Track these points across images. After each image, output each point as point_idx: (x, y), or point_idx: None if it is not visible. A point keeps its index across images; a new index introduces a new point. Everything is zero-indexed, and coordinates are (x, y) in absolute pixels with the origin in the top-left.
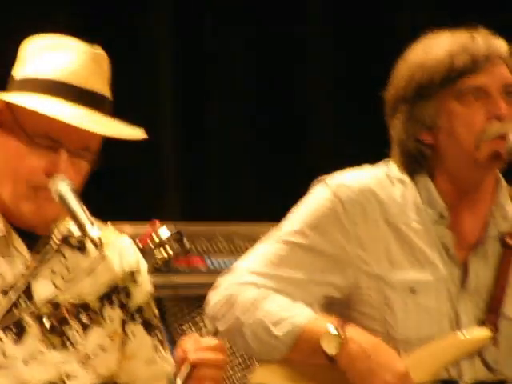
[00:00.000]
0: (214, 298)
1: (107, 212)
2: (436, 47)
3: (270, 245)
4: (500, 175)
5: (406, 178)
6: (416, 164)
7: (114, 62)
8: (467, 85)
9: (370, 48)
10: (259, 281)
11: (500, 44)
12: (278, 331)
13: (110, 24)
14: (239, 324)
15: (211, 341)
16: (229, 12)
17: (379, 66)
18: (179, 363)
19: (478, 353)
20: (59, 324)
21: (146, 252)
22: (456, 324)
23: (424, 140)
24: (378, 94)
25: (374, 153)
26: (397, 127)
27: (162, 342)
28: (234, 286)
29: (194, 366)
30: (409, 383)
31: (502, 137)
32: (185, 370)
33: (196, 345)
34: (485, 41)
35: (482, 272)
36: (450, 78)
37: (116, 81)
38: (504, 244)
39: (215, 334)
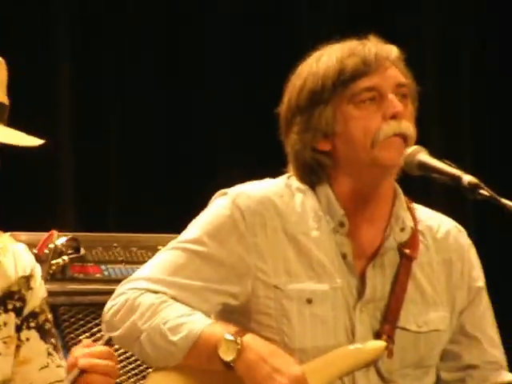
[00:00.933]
0: (112, 304)
1: (4, 222)
2: (326, 56)
3: (169, 253)
4: (397, 186)
5: (305, 187)
6: (314, 175)
7: (11, 69)
8: (360, 87)
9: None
10: (157, 288)
11: (390, 48)
12: (174, 337)
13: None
14: (136, 330)
15: (101, 347)
16: None
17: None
18: (70, 369)
19: (373, 363)
20: None
21: (42, 259)
22: (352, 334)
23: (321, 148)
24: (274, 109)
25: (273, 167)
26: (292, 140)
27: (55, 348)
28: (132, 292)
29: (83, 372)
30: None
31: (398, 135)
32: (72, 375)
33: (86, 351)
34: (375, 45)
35: (379, 282)
36: (341, 82)
37: (13, 89)
38: (401, 254)
39: (108, 341)
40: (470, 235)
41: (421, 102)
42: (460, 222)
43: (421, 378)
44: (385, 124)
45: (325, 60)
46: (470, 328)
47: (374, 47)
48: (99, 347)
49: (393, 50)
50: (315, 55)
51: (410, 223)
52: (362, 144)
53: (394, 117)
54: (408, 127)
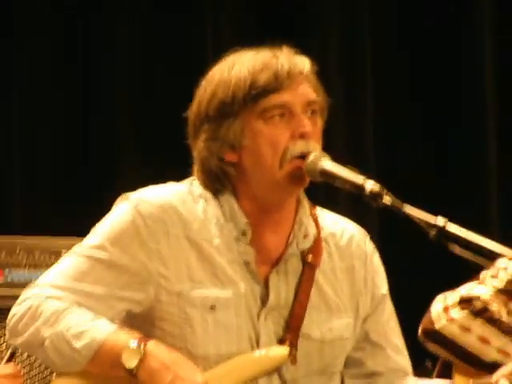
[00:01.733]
0: (16, 310)
1: None
2: (239, 65)
3: (73, 259)
4: (301, 193)
5: (208, 194)
6: (218, 183)
7: None
8: (270, 103)
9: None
10: (61, 294)
11: (303, 61)
12: (78, 344)
13: None
14: (40, 336)
15: (6, 369)
16: None
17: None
18: None
19: (276, 371)
20: None
21: None
22: (256, 342)
23: (227, 159)
24: (181, 113)
25: (178, 171)
26: (199, 146)
27: None
28: (36, 299)
29: None
30: None
31: (305, 155)
32: None
33: None
34: (287, 59)
35: (283, 290)
36: (252, 96)
37: None
38: (304, 262)
39: (12, 355)
40: (374, 240)
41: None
42: (366, 226)
43: None
44: (292, 143)
45: (237, 69)
46: (374, 335)
47: (287, 61)
48: (4, 368)
49: (305, 64)
50: (227, 62)
51: (313, 230)
52: (269, 162)
53: (302, 136)
54: (315, 147)
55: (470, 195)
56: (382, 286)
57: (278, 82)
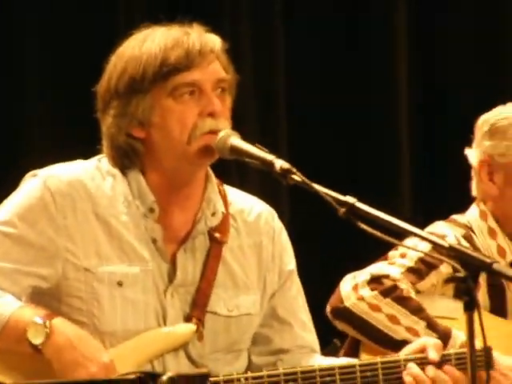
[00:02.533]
0: None
1: None
2: (150, 41)
3: None
4: (209, 170)
5: (116, 171)
6: (126, 159)
7: None
8: (181, 81)
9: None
10: None
11: (214, 40)
12: None
13: None
14: None
15: None
16: None
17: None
18: None
19: (183, 348)
20: None
21: None
22: (163, 318)
23: (136, 135)
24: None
25: (87, 148)
26: (108, 122)
27: None
28: None
29: None
30: (112, 374)
31: (214, 132)
32: None
33: None
34: (199, 36)
35: (190, 267)
36: (163, 74)
37: None
38: (212, 239)
39: None
40: (285, 219)
41: (238, 86)
42: (275, 205)
43: (232, 363)
44: (201, 120)
45: (148, 46)
46: (281, 312)
47: (198, 39)
48: None
49: (216, 42)
50: (138, 37)
51: (221, 208)
52: (178, 138)
53: (212, 114)
54: (224, 125)
55: (381, 182)
56: (290, 262)
57: (189, 60)
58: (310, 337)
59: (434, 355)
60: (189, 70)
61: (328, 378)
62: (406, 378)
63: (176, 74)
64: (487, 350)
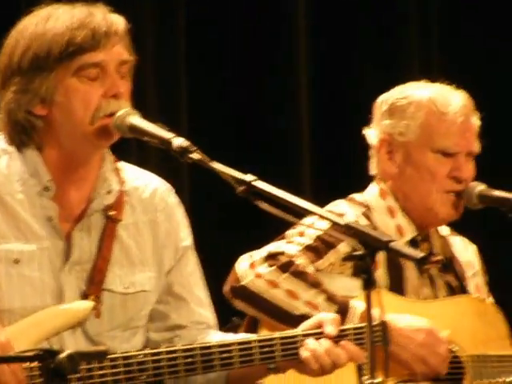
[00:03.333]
0: None
1: None
2: (54, 20)
3: None
4: (107, 151)
5: (12, 149)
6: (24, 135)
7: None
8: (86, 61)
9: None
10: None
11: (118, 21)
12: None
13: None
14: None
15: None
16: None
17: None
18: None
19: (80, 324)
20: None
21: None
22: (60, 296)
23: (36, 112)
24: None
25: None
26: (8, 97)
27: None
28: None
29: None
30: (9, 351)
31: (115, 114)
32: None
33: None
34: (104, 17)
35: (86, 245)
36: (68, 53)
37: None
38: (107, 217)
39: None
40: (184, 198)
41: (139, 70)
42: (175, 182)
43: (129, 340)
44: (105, 101)
45: (52, 24)
46: (177, 288)
47: (104, 20)
48: None
49: (121, 24)
50: (42, 14)
51: (116, 186)
52: (80, 118)
53: (115, 96)
54: (126, 106)
55: (280, 160)
56: (186, 238)
57: (95, 41)
58: (207, 313)
59: (330, 330)
60: (94, 50)
61: (226, 354)
62: (304, 353)
63: (82, 54)
64: (384, 326)
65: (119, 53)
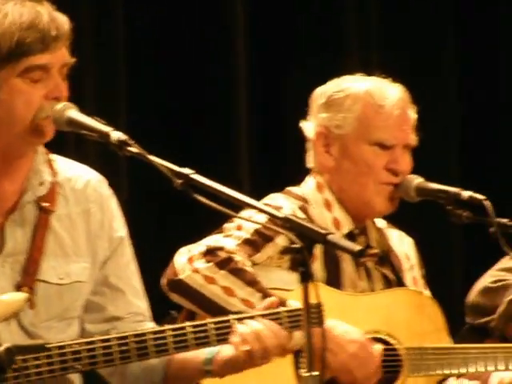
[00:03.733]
0: None
1: None
2: (2, 17)
3: None
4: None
5: None
6: None
7: None
8: (33, 63)
9: None
10: None
11: (64, 23)
12: None
13: None
14: None
15: None
16: None
17: None
18: None
19: (14, 316)
20: None
21: None
22: None
23: None
24: None
25: None
26: None
27: None
28: None
29: None
30: None
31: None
32: None
33: None
34: (52, 18)
35: (19, 236)
36: (16, 54)
37: None
38: (40, 208)
39: None
40: (122, 192)
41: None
42: (114, 179)
43: (64, 330)
44: (47, 103)
45: (1, 21)
46: (114, 279)
47: (52, 22)
48: None
49: (66, 24)
50: None
51: (48, 177)
52: (21, 118)
53: (57, 98)
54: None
55: (218, 153)
56: (120, 229)
57: (44, 44)
58: (143, 304)
59: (258, 308)
60: (42, 52)
61: (160, 341)
62: (232, 337)
63: (29, 56)
64: (319, 307)
65: (63, 55)
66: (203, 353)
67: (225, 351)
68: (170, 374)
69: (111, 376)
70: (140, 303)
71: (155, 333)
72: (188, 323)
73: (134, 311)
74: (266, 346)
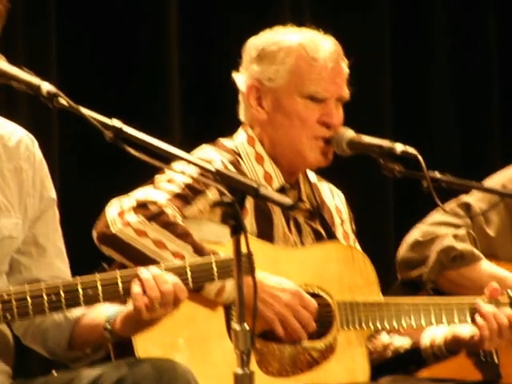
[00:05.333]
0: None
1: None
2: None
3: None
4: None
5: None
6: None
7: None
8: None
9: None
10: None
11: None
12: None
13: None
14: None
15: None
16: None
17: None
18: None
19: None
20: None
21: None
22: None
23: None
24: None
25: None
26: None
27: None
28: None
29: None
30: None
31: None
32: None
33: None
34: None
35: None
36: None
37: None
38: None
39: None
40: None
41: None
42: (42, 132)
43: None
44: None
45: None
46: (42, 239)
47: None
48: None
49: None
50: None
51: None
52: None
53: None
54: None
55: (150, 104)
56: (51, 190)
57: None
58: (64, 266)
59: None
60: None
61: (90, 291)
62: (135, 287)
63: None
64: (250, 257)
65: None
66: (107, 312)
67: (127, 308)
68: (75, 336)
69: (24, 336)
70: (62, 265)
71: (84, 283)
72: (98, 275)
73: (55, 274)
74: (164, 292)
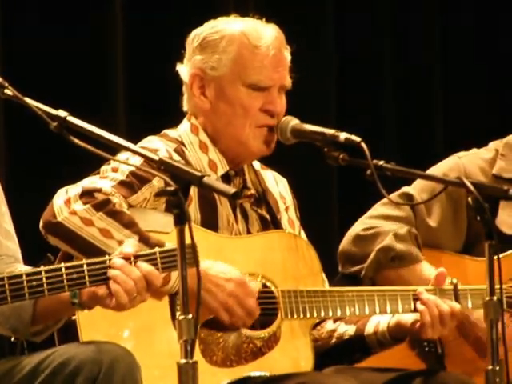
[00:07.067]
0: None
1: None
2: None
3: None
4: None
5: None
6: None
7: None
8: None
9: None
10: None
11: None
12: None
13: None
14: None
15: None
16: None
17: None
18: None
19: None
20: None
21: None
22: None
23: None
24: None
25: None
26: None
27: None
28: None
29: None
30: None
31: None
32: None
33: None
34: None
35: None
36: None
37: None
38: None
39: None
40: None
41: None
42: None
43: None
44: None
45: None
46: None
47: None
48: None
49: None
50: None
51: None
52: None
53: None
54: None
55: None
56: None
57: None
58: (14, 246)
59: (127, 250)
60: None
61: (35, 283)
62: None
63: None
64: (193, 248)
65: None
66: None
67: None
68: (38, 311)
69: None
70: (11, 245)
71: (29, 275)
72: (63, 264)
73: (5, 253)
74: (135, 280)
